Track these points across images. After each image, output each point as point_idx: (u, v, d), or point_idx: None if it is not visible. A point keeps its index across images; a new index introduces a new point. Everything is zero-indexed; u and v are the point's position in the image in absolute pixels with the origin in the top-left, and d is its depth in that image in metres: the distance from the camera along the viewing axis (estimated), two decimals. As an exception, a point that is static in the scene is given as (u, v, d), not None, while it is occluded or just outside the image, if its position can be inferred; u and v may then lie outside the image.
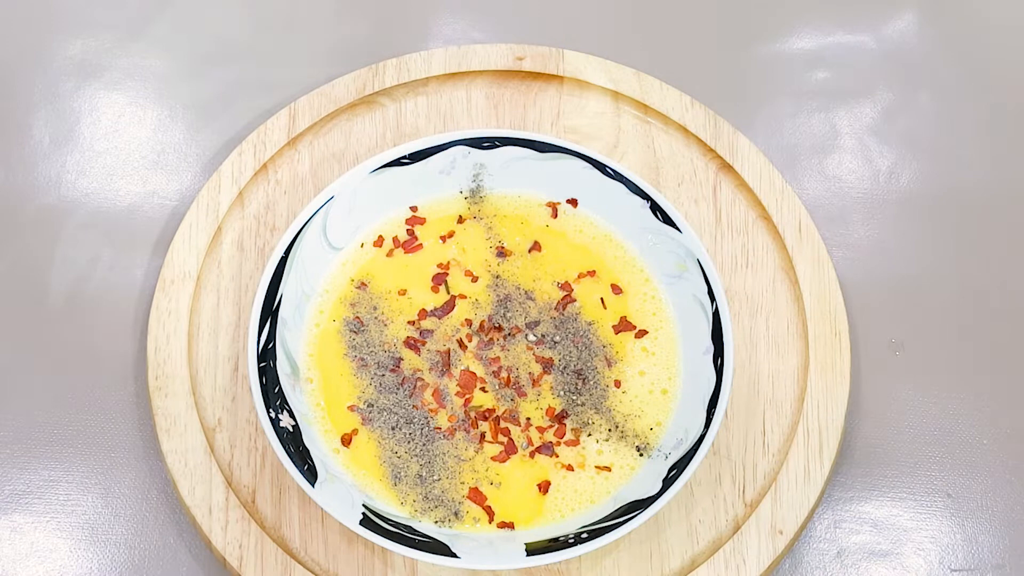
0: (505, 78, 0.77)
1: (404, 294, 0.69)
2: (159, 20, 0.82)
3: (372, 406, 0.66)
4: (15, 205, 0.75)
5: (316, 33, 0.81)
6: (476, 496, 0.63)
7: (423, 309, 0.68)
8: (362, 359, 0.67)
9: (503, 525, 0.63)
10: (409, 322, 0.68)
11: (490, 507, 0.63)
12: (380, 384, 0.66)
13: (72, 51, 0.80)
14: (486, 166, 0.70)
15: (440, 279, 0.69)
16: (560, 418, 0.65)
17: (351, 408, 0.66)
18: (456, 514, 0.63)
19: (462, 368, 0.67)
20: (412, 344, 0.67)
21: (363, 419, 0.65)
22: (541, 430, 0.65)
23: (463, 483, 0.64)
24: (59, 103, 0.79)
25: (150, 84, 0.80)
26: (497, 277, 0.70)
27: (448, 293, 0.69)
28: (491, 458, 0.64)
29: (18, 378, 0.69)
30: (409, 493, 0.63)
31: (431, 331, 0.68)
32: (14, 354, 0.70)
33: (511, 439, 0.65)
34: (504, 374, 0.66)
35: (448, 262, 0.70)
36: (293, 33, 0.82)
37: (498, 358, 0.67)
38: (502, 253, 0.70)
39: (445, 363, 0.67)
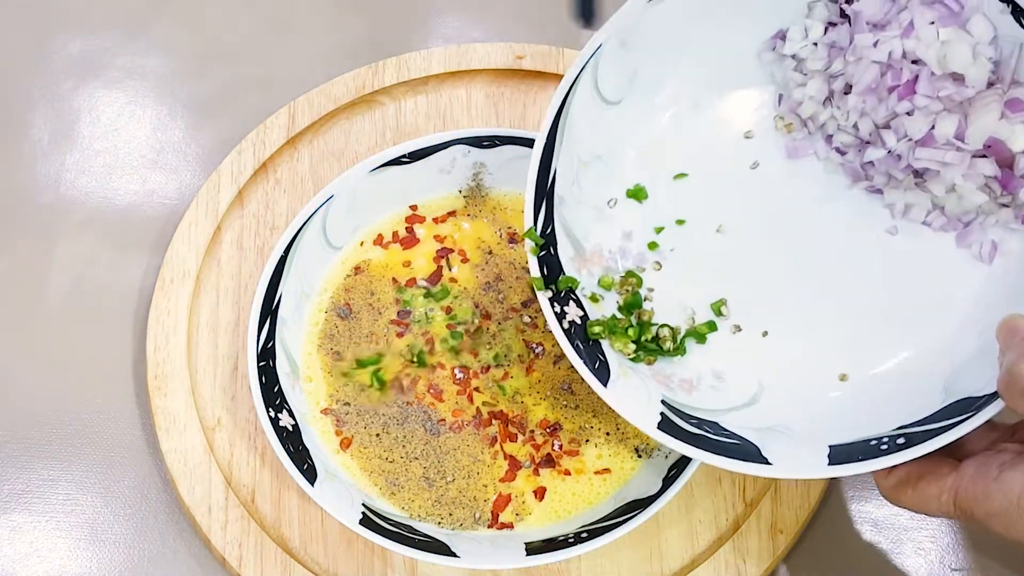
0: (505, 77, 0.77)
1: (408, 265, 0.69)
2: (158, 19, 0.82)
3: (349, 405, 0.65)
4: (14, 204, 0.75)
5: (316, 32, 0.81)
6: (500, 504, 0.63)
7: (412, 278, 0.68)
8: (337, 352, 0.67)
9: (503, 525, 0.63)
10: (398, 293, 0.68)
11: (497, 514, 0.63)
12: (361, 381, 0.66)
13: (71, 50, 0.80)
14: (486, 165, 0.70)
15: (443, 253, 0.69)
16: (554, 430, 0.65)
17: (325, 412, 0.65)
18: (477, 518, 0.63)
19: (454, 365, 0.66)
20: (399, 329, 0.67)
21: (338, 421, 0.65)
22: (537, 447, 0.65)
23: (485, 486, 0.63)
24: (58, 102, 0.78)
25: (149, 83, 0.79)
26: (489, 253, 0.69)
27: (449, 269, 0.69)
28: (499, 480, 0.64)
29: (18, 377, 0.69)
30: (413, 500, 0.63)
31: (409, 312, 0.68)
32: (14, 354, 0.70)
33: (515, 458, 0.64)
34: (489, 380, 0.66)
35: (444, 236, 0.70)
36: (293, 32, 0.81)
37: (482, 357, 0.67)
38: (513, 239, 0.70)
39: (430, 350, 0.66)
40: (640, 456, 0.64)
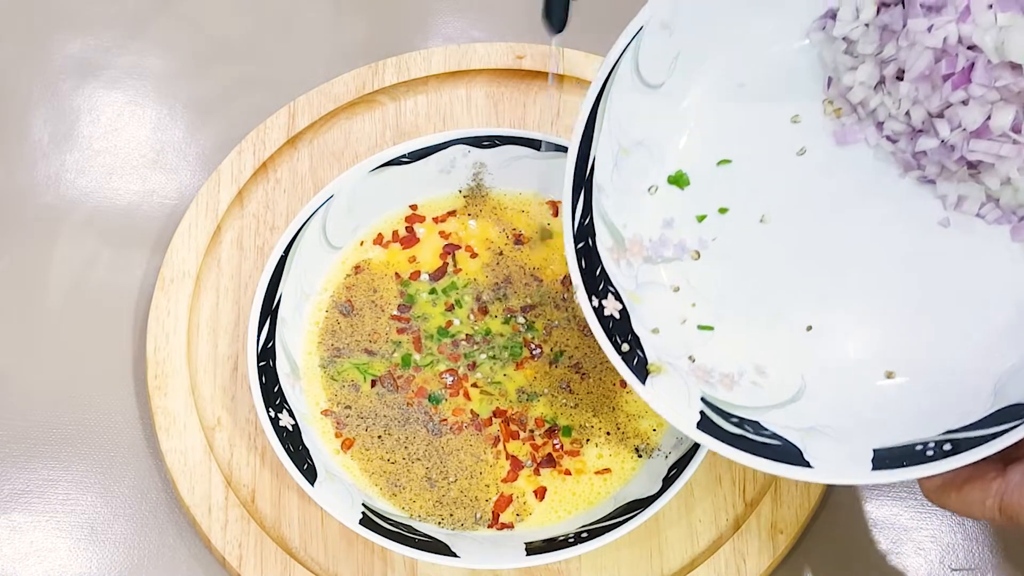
0: (505, 77, 0.77)
1: (414, 260, 0.69)
2: (158, 19, 0.82)
3: (350, 408, 0.65)
4: (14, 204, 0.75)
5: (316, 32, 0.81)
6: (502, 504, 0.63)
7: (416, 271, 0.68)
8: (337, 348, 0.67)
9: (503, 526, 0.63)
10: (401, 287, 0.68)
11: (498, 514, 0.63)
12: (361, 382, 0.66)
13: (71, 49, 0.80)
14: (486, 165, 0.70)
15: (450, 249, 0.69)
16: (551, 432, 0.65)
17: (325, 413, 0.65)
18: (478, 518, 0.63)
19: (441, 371, 0.66)
20: (400, 325, 0.67)
21: (338, 423, 0.65)
22: (536, 447, 0.65)
23: (487, 486, 0.63)
24: (58, 102, 0.78)
25: (149, 83, 0.80)
26: (500, 254, 0.69)
27: (455, 264, 0.69)
28: (501, 480, 0.64)
29: (18, 377, 0.69)
30: (415, 500, 0.63)
31: (410, 307, 0.68)
32: (14, 354, 0.70)
33: (516, 457, 0.64)
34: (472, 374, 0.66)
35: (450, 233, 0.70)
36: (293, 32, 0.81)
37: (476, 357, 0.67)
38: (520, 240, 0.70)
39: (417, 347, 0.66)
40: (640, 456, 0.64)
